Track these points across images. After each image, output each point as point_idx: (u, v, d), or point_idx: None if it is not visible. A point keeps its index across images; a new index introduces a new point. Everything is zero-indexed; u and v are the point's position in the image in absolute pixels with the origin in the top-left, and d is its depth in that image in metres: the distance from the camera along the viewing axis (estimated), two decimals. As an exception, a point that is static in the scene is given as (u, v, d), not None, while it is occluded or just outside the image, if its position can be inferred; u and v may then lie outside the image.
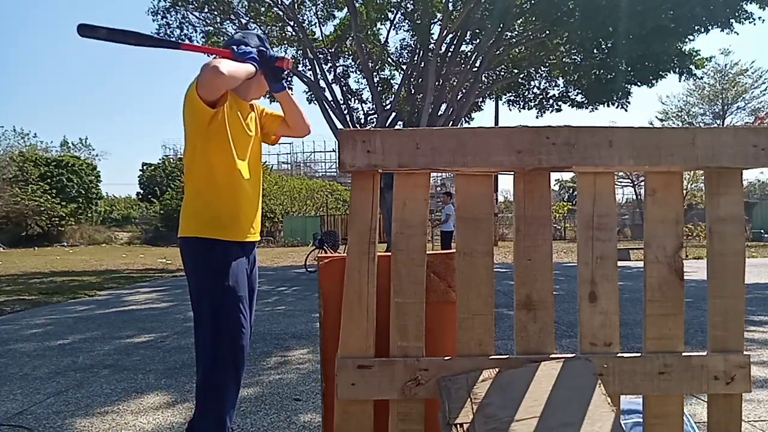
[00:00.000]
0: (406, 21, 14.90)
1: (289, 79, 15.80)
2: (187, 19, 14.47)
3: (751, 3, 11.25)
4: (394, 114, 15.03)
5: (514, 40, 14.59)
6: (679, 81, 13.75)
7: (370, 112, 16.46)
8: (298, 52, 15.45)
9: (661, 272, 1.57)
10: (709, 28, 11.76)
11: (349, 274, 1.54)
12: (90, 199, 32.87)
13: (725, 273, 1.57)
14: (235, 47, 1.96)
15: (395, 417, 1.53)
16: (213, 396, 1.91)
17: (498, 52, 14.25)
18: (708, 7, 11.09)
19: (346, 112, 15.19)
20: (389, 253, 1.57)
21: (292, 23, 14.47)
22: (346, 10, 14.10)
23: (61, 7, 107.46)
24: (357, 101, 16.67)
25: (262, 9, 14.47)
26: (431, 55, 13.59)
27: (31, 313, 6.39)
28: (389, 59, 16.00)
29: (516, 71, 15.62)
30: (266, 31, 15.00)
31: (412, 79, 15.16)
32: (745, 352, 1.57)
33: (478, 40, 14.42)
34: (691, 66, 13.38)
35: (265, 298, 7.53)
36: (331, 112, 14.43)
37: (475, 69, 14.28)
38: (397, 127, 14.81)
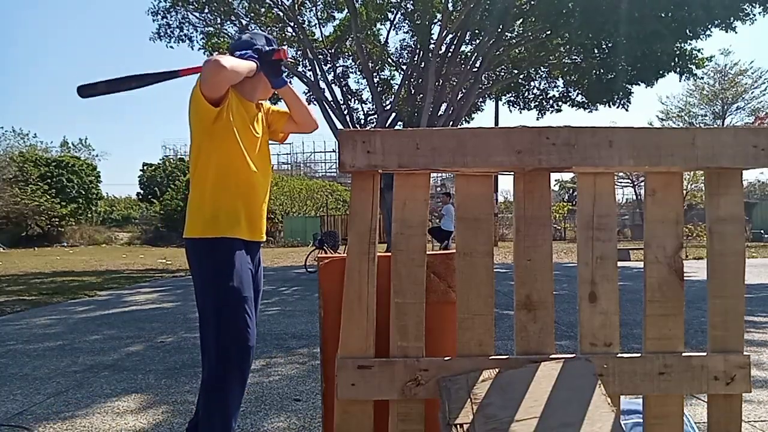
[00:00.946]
0: (406, 21, 14.90)
1: (290, 79, 15.83)
2: (187, 20, 14.47)
3: (752, 4, 11.24)
4: (394, 114, 15.04)
5: (514, 40, 14.59)
6: (680, 81, 13.74)
7: (370, 113, 16.46)
8: (298, 53, 15.45)
9: (661, 272, 1.57)
10: (710, 27, 11.75)
11: (349, 275, 1.55)
12: (90, 199, 32.87)
13: (725, 273, 1.57)
14: (237, 52, 1.97)
15: (395, 417, 1.53)
16: (218, 396, 1.91)
17: (498, 52, 14.25)
18: (708, 8, 11.09)
19: (346, 112, 15.19)
20: (389, 254, 1.57)
21: (292, 24, 14.48)
22: (346, 10, 14.11)
23: (61, 7, 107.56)
24: (357, 101, 16.68)
25: (263, 10, 14.48)
26: (431, 55, 13.59)
27: (31, 314, 6.39)
28: (389, 60, 16.01)
29: (516, 72, 15.62)
30: (266, 32, 15.01)
31: (412, 80, 15.17)
32: (745, 353, 1.57)
33: (478, 41, 14.43)
34: (691, 66, 13.36)
35: (266, 299, 7.52)
36: (331, 113, 14.44)
37: (475, 69, 14.28)
38: (397, 127, 14.80)
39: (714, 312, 1.58)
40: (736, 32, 11.71)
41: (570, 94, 15.93)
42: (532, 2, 12.92)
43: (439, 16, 13.74)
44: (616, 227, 1.61)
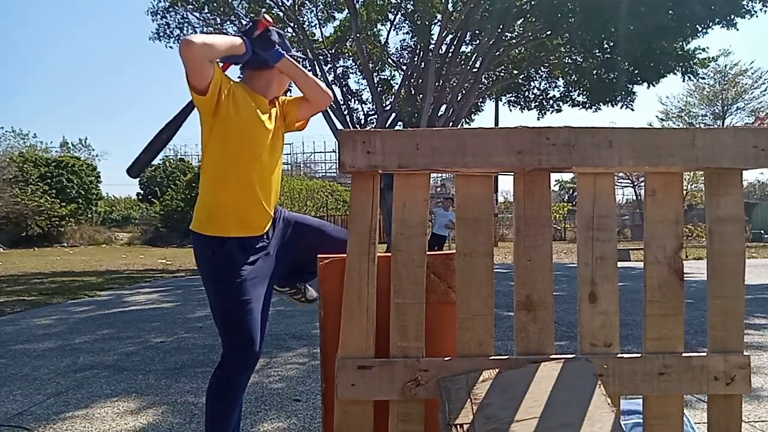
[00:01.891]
0: (406, 22, 14.90)
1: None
2: (187, 20, 14.47)
3: (753, 1, 11.23)
4: (394, 115, 15.04)
5: (514, 40, 14.59)
6: (683, 81, 13.72)
7: (370, 113, 16.46)
8: (299, 53, 15.45)
9: (661, 273, 1.57)
10: (710, 25, 11.73)
11: (349, 275, 1.55)
12: (90, 199, 32.84)
13: (725, 273, 1.57)
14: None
15: (395, 417, 1.53)
16: (220, 393, 1.91)
17: (498, 52, 14.26)
18: (708, 5, 11.07)
19: (346, 112, 15.19)
20: (389, 254, 1.57)
21: (292, 24, 14.48)
22: (346, 11, 14.11)
23: (60, 7, 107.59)
24: (357, 102, 16.67)
25: (263, 10, 14.48)
26: (431, 55, 13.59)
27: (31, 314, 6.39)
28: (389, 60, 16.01)
29: (516, 72, 15.62)
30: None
31: (412, 80, 15.17)
32: (745, 353, 1.57)
33: (478, 41, 14.43)
34: (694, 65, 13.35)
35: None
36: (331, 113, 14.43)
37: (475, 70, 14.29)
38: (397, 127, 14.80)
39: (714, 312, 1.58)
40: (737, 29, 11.66)
41: (571, 94, 15.92)
42: (533, 2, 12.91)
43: (439, 16, 13.75)
44: (616, 227, 1.61)
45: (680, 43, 12.88)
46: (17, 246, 25.76)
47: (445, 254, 1.71)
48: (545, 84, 16.42)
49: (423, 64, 14.31)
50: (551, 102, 16.33)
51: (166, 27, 14.37)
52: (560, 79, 15.85)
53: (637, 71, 13.66)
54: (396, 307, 1.55)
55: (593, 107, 15.31)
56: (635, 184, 32.76)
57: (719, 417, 1.57)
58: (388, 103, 15.69)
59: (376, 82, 15.39)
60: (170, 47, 14.68)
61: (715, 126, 27.90)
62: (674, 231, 1.57)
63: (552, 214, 1.68)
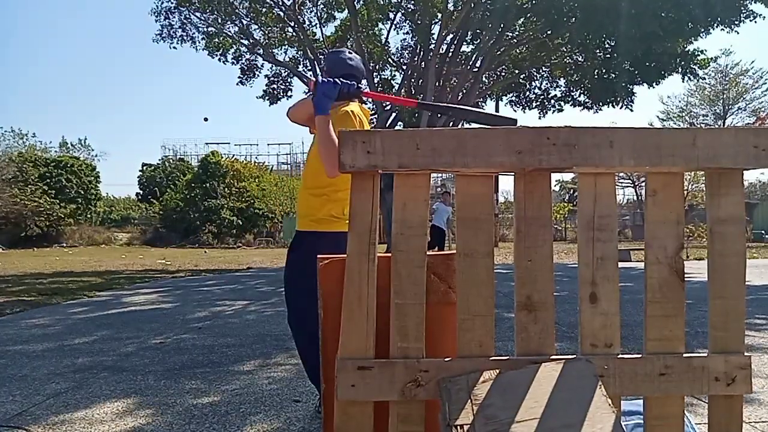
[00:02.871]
0: (407, 21, 14.90)
1: (289, 84, 15.90)
2: (189, 20, 14.49)
3: (755, 2, 11.22)
4: (394, 114, 15.03)
5: (515, 40, 14.58)
6: (683, 81, 13.71)
7: (370, 113, 16.46)
8: (299, 53, 15.46)
9: (661, 273, 1.56)
10: (712, 27, 11.72)
11: (349, 275, 1.54)
12: (89, 199, 32.87)
13: (726, 274, 1.57)
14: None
15: (395, 418, 1.53)
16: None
17: (499, 52, 14.25)
18: (708, 7, 11.07)
19: (346, 112, 15.16)
20: (389, 254, 1.57)
21: (292, 24, 14.49)
22: (346, 10, 14.11)
23: (60, 6, 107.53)
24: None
25: (263, 10, 14.48)
26: (431, 55, 13.59)
27: (30, 314, 6.39)
28: (390, 59, 16.01)
29: (517, 72, 15.61)
30: (267, 32, 15.02)
31: (412, 80, 15.17)
32: (745, 353, 1.57)
33: (478, 41, 14.42)
34: (694, 66, 13.35)
35: (265, 299, 7.53)
36: (331, 113, 14.42)
37: (476, 69, 14.29)
38: (397, 127, 14.80)
39: (714, 313, 1.57)
40: (737, 32, 11.67)
41: (572, 94, 15.91)
42: (533, 1, 12.91)
43: (439, 15, 13.75)
44: (617, 228, 1.61)
45: (680, 44, 12.87)
46: (16, 246, 25.77)
47: (445, 254, 1.71)
48: (546, 84, 16.41)
49: (423, 63, 14.31)
50: (552, 102, 16.32)
51: (169, 28, 14.39)
52: (561, 79, 15.85)
53: (637, 72, 13.66)
54: (396, 307, 1.54)
55: (594, 107, 15.30)
56: (636, 184, 32.78)
57: (720, 418, 1.57)
58: (388, 102, 15.68)
59: (376, 81, 15.40)
60: (174, 48, 14.70)
61: (716, 126, 27.91)
62: (675, 231, 1.57)
63: (552, 214, 1.67)
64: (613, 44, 13.16)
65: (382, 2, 13.93)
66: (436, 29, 13.98)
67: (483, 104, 17.55)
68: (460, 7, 13.32)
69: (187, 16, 14.36)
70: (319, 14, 15.08)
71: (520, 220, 1.57)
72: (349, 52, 2.57)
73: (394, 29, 15.37)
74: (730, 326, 1.57)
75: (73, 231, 30.41)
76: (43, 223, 27.70)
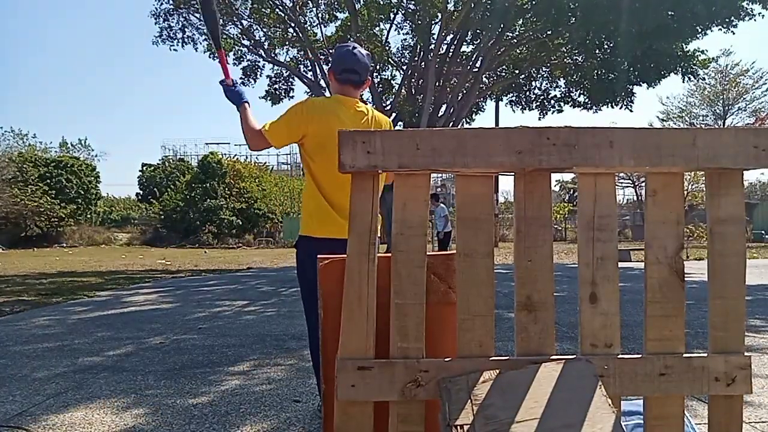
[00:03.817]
0: (407, 21, 14.90)
1: (290, 84, 15.93)
2: (189, 21, 14.47)
3: (753, 2, 11.22)
4: (394, 114, 15.04)
5: (514, 40, 14.58)
6: (683, 81, 13.72)
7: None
8: (300, 53, 15.46)
9: (661, 273, 1.56)
10: (710, 27, 11.72)
11: (349, 276, 1.54)
12: (89, 200, 32.86)
13: (726, 274, 1.57)
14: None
15: (395, 418, 1.53)
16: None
17: (499, 52, 14.25)
18: (708, 6, 11.06)
19: (346, 112, 15.17)
20: (389, 254, 1.57)
21: (293, 24, 14.48)
22: (347, 11, 14.12)
23: (60, 6, 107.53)
24: (357, 102, 16.66)
25: (267, 11, 14.48)
26: (432, 55, 13.59)
27: (30, 314, 6.39)
28: (390, 60, 16.01)
29: (517, 72, 15.62)
30: (268, 33, 15.02)
31: (412, 80, 15.18)
32: (745, 354, 1.57)
33: (478, 41, 14.43)
34: (694, 66, 13.35)
35: (265, 299, 7.53)
36: (331, 113, 14.42)
37: (476, 69, 14.28)
38: (397, 127, 14.79)
39: (714, 313, 1.57)
40: (734, 33, 11.68)
41: (572, 94, 15.92)
42: (533, 1, 12.91)
43: (439, 15, 13.74)
44: (617, 228, 1.60)
45: (680, 44, 12.87)
46: (16, 246, 25.78)
47: (445, 255, 1.71)
48: (546, 84, 16.42)
49: (423, 63, 14.31)
50: (552, 102, 16.32)
51: (168, 30, 14.38)
52: (561, 79, 15.85)
53: (636, 72, 13.67)
54: (396, 307, 1.54)
55: (594, 108, 15.31)
56: (636, 184, 32.79)
57: (720, 418, 1.57)
58: (388, 102, 15.69)
59: (376, 81, 15.40)
60: (174, 50, 14.71)
61: (716, 126, 27.90)
62: (675, 231, 1.57)
63: (552, 214, 1.67)
64: (612, 44, 13.16)
65: (382, 2, 13.93)
66: (436, 29, 13.99)
67: (483, 104, 17.57)
68: (460, 7, 13.32)
69: (187, 17, 14.35)
70: (319, 15, 15.09)
71: (520, 220, 1.57)
72: (354, 47, 2.51)
73: (395, 29, 15.40)
74: (730, 326, 1.57)
75: (73, 231, 30.41)
76: (43, 224, 27.70)
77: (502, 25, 13.32)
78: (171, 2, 13.91)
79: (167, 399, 3.11)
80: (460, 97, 14.57)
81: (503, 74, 15.94)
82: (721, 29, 11.65)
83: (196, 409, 2.94)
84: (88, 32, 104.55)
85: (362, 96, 2.61)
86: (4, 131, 34.93)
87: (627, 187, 34.75)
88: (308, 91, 15.44)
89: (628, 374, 1.53)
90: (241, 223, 31.37)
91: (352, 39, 14.63)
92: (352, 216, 1.55)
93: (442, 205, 13.21)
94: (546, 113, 16.47)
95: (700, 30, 11.87)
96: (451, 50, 14.51)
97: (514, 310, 1.57)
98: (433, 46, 13.71)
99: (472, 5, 12.72)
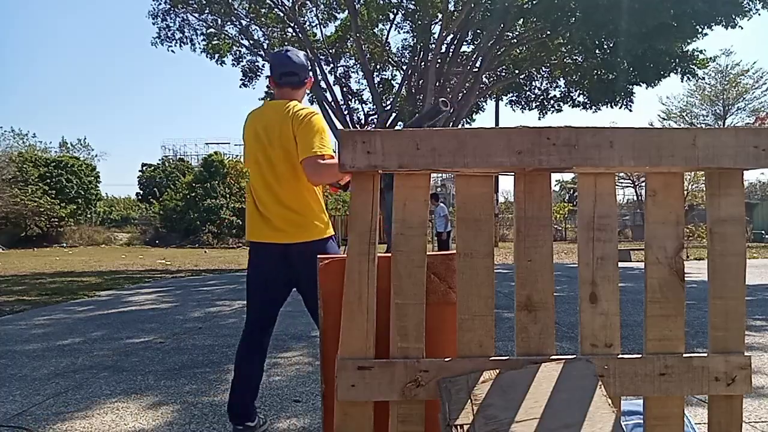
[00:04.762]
0: (407, 21, 14.90)
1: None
2: (187, 22, 14.47)
3: (755, 1, 11.20)
4: (394, 114, 15.04)
5: (514, 40, 14.59)
6: (682, 81, 13.71)
7: (370, 113, 16.46)
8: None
9: (661, 273, 1.56)
10: (712, 25, 11.69)
11: (349, 275, 1.54)
12: (89, 199, 32.84)
13: (726, 274, 1.57)
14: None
15: (395, 418, 1.53)
16: None
17: (499, 52, 14.26)
18: (710, 3, 11.03)
19: (346, 112, 15.20)
20: (389, 254, 1.57)
21: (293, 24, 14.48)
22: (347, 11, 14.12)
23: (60, 6, 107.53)
24: (357, 102, 16.69)
25: (263, 11, 14.48)
26: (432, 55, 13.59)
27: (30, 314, 6.39)
28: (390, 60, 16.01)
29: (517, 72, 15.62)
30: (267, 33, 15.02)
31: (412, 80, 15.17)
32: (746, 353, 1.57)
33: (478, 41, 14.43)
34: (693, 66, 13.33)
35: (265, 299, 7.51)
36: (331, 113, 14.44)
37: (476, 69, 14.28)
38: (397, 127, 14.78)
39: (714, 313, 1.57)
40: (741, 28, 11.57)
41: (572, 94, 15.92)
42: (533, 2, 12.91)
43: (439, 16, 13.75)
44: (617, 228, 1.61)
45: (680, 44, 12.86)
46: (16, 246, 25.77)
47: (445, 255, 1.71)
48: (546, 84, 16.42)
49: (423, 63, 14.31)
50: (552, 102, 16.32)
51: (167, 30, 14.37)
52: (561, 79, 15.85)
53: (636, 72, 13.66)
54: (396, 307, 1.54)
55: (593, 108, 15.31)
56: (636, 184, 32.78)
57: (720, 418, 1.57)
58: (388, 102, 15.70)
59: (376, 81, 15.40)
60: (172, 51, 14.72)
61: (716, 126, 27.90)
62: (675, 231, 1.57)
63: (552, 214, 1.67)
64: (612, 44, 13.16)
65: (382, 2, 13.93)
66: (436, 29, 13.99)
67: (483, 104, 17.57)
68: (460, 8, 13.33)
69: (185, 17, 14.34)
70: (319, 15, 15.09)
71: (520, 220, 1.57)
72: (287, 50, 2.49)
73: (395, 29, 15.43)
74: (730, 326, 1.57)
75: (73, 231, 30.40)
76: (43, 223, 27.68)
77: (502, 25, 13.32)
78: (168, 2, 13.89)
79: (167, 399, 3.11)
80: (460, 97, 14.57)
81: (503, 74, 15.94)
82: (723, 26, 11.60)
83: (196, 408, 2.94)
84: (89, 32, 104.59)
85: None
86: (4, 131, 34.97)
87: (627, 187, 34.75)
88: (308, 91, 15.44)
89: (628, 374, 1.53)
90: (241, 223, 31.35)
91: (352, 39, 14.66)
92: (352, 216, 1.55)
93: (441, 204, 13.21)
94: (546, 113, 16.48)
95: (701, 29, 11.85)
96: (451, 50, 14.51)
97: (514, 310, 1.57)
98: (433, 46, 13.71)
99: (473, 5, 12.72)
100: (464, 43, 14.84)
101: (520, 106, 16.91)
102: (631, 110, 14.99)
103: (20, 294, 8.23)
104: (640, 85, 14.16)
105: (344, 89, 16.00)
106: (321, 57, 15.13)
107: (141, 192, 38.45)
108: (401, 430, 1.52)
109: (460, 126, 14.27)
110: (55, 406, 3.00)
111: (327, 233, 2.40)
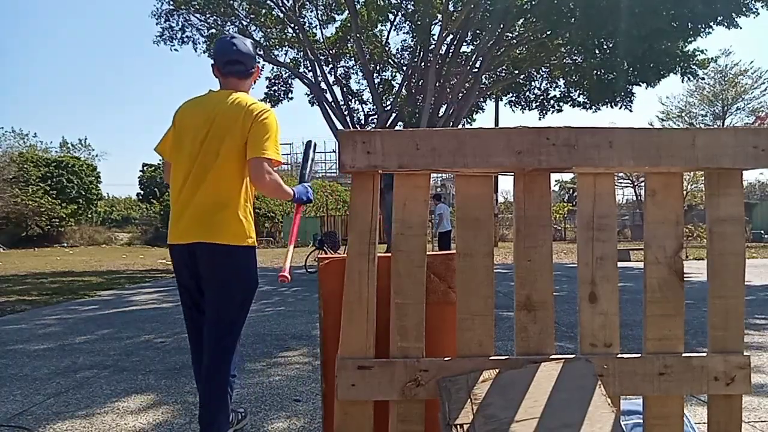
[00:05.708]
0: (407, 22, 14.90)
1: (290, 85, 15.97)
2: (189, 22, 14.49)
3: (756, 1, 11.18)
4: (394, 115, 15.04)
5: (514, 40, 14.58)
6: (682, 81, 13.69)
7: (370, 113, 16.46)
8: (299, 54, 15.47)
9: (661, 273, 1.57)
10: (712, 25, 11.68)
11: (349, 275, 1.54)
12: (90, 199, 32.83)
13: (725, 274, 1.57)
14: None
15: (395, 418, 1.53)
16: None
17: (498, 52, 14.25)
18: (709, 3, 11.01)
19: (346, 113, 15.19)
20: (389, 254, 1.57)
21: (293, 25, 14.48)
22: (347, 12, 14.12)
23: (60, 6, 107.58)
24: (357, 102, 16.69)
25: (263, 11, 14.49)
26: (431, 55, 13.59)
27: (31, 314, 6.39)
28: (390, 60, 16.01)
29: (516, 72, 15.62)
30: (267, 33, 15.02)
31: (412, 80, 15.17)
32: (745, 353, 1.57)
33: (478, 41, 14.43)
34: (693, 66, 13.32)
35: (266, 299, 7.53)
36: (331, 113, 14.44)
37: (476, 70, 14.28)
38: (397, 127, 14.79)
39: (714, 312, 1.58)
40: (741, 27, 11.53)
41: (571, 95, 15.91)
42: (533, 2, 12.91)
43: (439, 16, 13.74)
44: (616, 228, 1.61)
45: (680, 44, 12.86)
46: (17, 246, 25.76)
47: (445, 254, 1.71)
48: (546, 84, 16.41)
49: (423, 64, 14.30)
50: (552, 102, 16.32)
51: (169, 30, 14.39)
52: (561, 79, 15.85)
53: (636, 72, 13.65)
54: (396, 307, 1.55)
55: (593, 108, 15.30)
56: (635, 184, 32.74)
57: (719, 417, 1.57)
58: (388, 103, 15.69)
59: (376, 82, 15.40)
60: (175, 50, 14.75)
61: (716, 126, 27.89)
62: (674, 231, 1.57)
63: (552, 214, 1.68)
64: (612, 45, 13.15)
65: (382, 3, 13.93)
66: (436, 30, 13.99)
67: (483, 104, 17.57)
68: (460, 8, 13.33)
69: (187, 18, 14.36)
70: (319, 15, 15.09)
71: (520, 220, 1.57)
72: (233, 37, 2.33)
73: (394, 30, 15.39)
74: (730, 326, 1.57)
75: (74, 231, 30.39)
76: (43, 223, 27.68)
77: (501, 26, 13.32)
78: (171, 3, 13.91)
79: (168, 398, 3.11)
80: (460, 97, 14.57)
81: (503, 74, 15.93)
82: (724, 26, 11.57)
83: (196, 408, 2.93)
84: (89, 32, 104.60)
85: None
86: (4, 131, 34.97)
87: (626, 187, 34.72)
88: (308, 92, 15.45)
89: (628, 374, 1.54)
90: (241, 223, 31.30)
91: (352, 39, 14.66)
92: (352, 216, 1.56)
93: (442, 204, 13.20)
94: (545, 113, 16.46)
95: (701, 29, 11.84)
96: (451, 50, 14.50)
97: (514, 309, 1.58)
98: (432, 46, 13.71)
99: (472, 6, 12.72)
100: (464, 43, 14.83)
101: (520, 107, 16.90)
102: (631, 110, 15.00)
103: (21, 294, 8.23)
104: (640, 85, 14.15)
105: (344, 90, 16.00)
106: (321, 57, 15.13)
107: (142, 192, 38.41)
108: (401, 429, 1.53)
109: (460, 126, 14.28)
110: (55, 406, 3.01)
111: (245, 242, 2.16)
